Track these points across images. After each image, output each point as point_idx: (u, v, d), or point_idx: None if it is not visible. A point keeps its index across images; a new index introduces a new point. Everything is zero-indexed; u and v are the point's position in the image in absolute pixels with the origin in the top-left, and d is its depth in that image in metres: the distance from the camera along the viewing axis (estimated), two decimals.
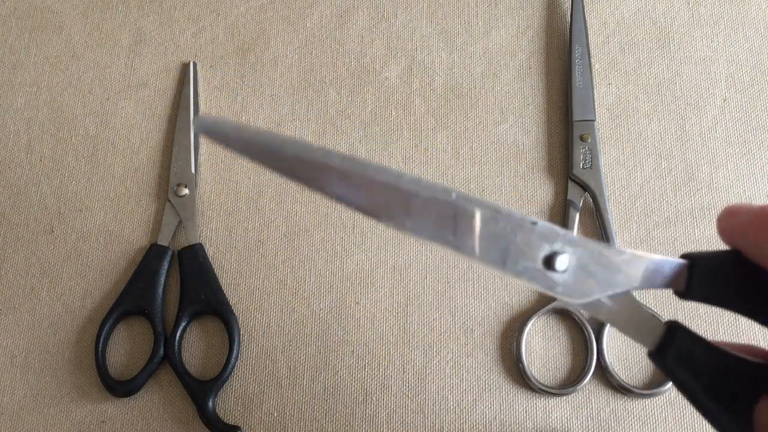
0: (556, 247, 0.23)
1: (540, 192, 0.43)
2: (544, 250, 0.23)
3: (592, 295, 0.24)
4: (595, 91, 0.45)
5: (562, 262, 0.23)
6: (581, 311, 0.40)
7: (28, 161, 0.45)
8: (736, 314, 0.24)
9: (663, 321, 0.25)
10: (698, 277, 0.24)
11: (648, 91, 0.45)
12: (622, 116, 0.45)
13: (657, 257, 0.24)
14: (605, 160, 0.44)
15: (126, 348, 0.41)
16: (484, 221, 0.23)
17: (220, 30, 0.48)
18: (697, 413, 0.39)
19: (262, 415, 0.39)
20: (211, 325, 0.41)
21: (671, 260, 0.24)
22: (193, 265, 0.41)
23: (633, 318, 0.24)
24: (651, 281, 0.24)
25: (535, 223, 0.23)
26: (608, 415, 0.39)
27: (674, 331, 0.24)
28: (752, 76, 0.46)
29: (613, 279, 0.24)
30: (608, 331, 0.40)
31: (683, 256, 0.25)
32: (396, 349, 0.40)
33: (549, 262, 0.23)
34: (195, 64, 0.47)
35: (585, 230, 0.42)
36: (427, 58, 0.47)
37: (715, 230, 0.44)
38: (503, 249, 0.23)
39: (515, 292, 0.41)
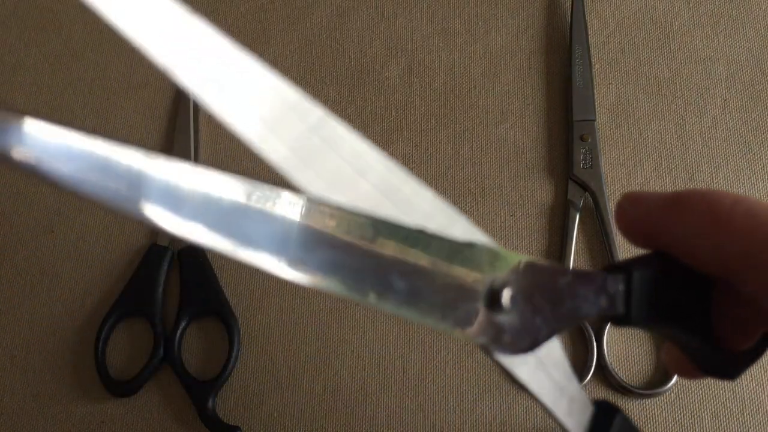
0: (499, 276, 0.18)
1: (540, 192, 0.43)
2: (485, 283, 0.18)
3: (540, 339, 0.19)
4: (595, 91, 0.45)
5: (506, 298, 0.18)
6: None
7: None
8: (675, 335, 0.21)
9: (591, 400, 0.21)
10: (638, 294, 0.20)
11: (648, 91, 0.45)
12: (623, 116, 0.45)
13: (600, 273, 0.20)
14: (605, 160, 0.44)
15: (126, 348, 0.41)
16: (408, 255, 0.17)
17: (220, 29, 0.48)
18: (698, 414, 0.39)
19: (262, 416, 0.39)
20: (210, 326, 0.41)
21: (608, 275, 0.20)
22: (193, 266, 0.41)
23: (558, 390, 0.20)
24: (596, 306, 0.19)
25: (471, 246, 0.18)
26: None
27: (607, 415, 0.20)
28: (752, 76, 0.46)
29: (559, 312, 0.19)
30: (608, 330, 0.40)
31: (610, 268, 0.20)
32: (396, 349, 0.40)
33: (492, 299, 0.18)
34: None
35: (585, 230, 0.42)
36: (427, 57, 0.47)
37: None
38: (436, 289, 0.17)
39: None
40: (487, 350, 0.19)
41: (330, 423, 0.39)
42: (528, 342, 0.19)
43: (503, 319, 0.18)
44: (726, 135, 0.44)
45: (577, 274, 0.19)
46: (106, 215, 0.44)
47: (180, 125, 0.45)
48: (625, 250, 0.41)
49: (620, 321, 0.20)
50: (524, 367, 0.19)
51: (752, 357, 0.21)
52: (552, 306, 0.19)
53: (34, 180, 0.44)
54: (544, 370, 0.20)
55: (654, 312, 0.20)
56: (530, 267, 0.19)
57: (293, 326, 0.41)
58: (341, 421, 0.39)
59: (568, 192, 0.42)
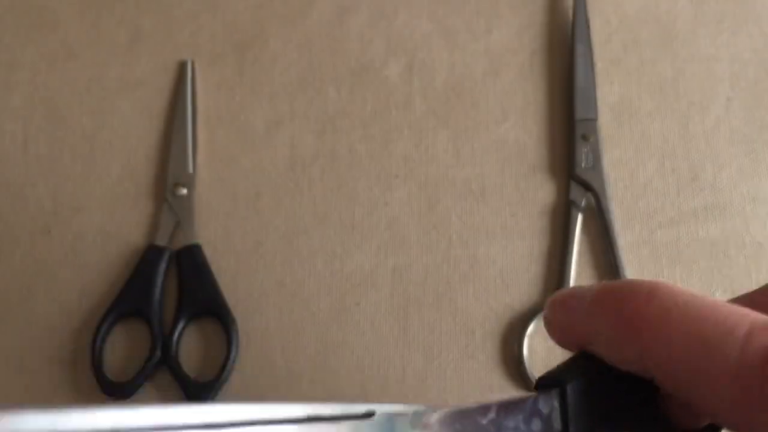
0: None
1: (542, 192, 0.43)
2: None
3: None
4: (597, 89, 0.44)
5: None
6: None
7: (24, 161, 0.45)
8: None
9: None
10: (574, 407, 0.19)
11: (651, 90, 0.45)
12: (625, 115, 0.44)
13: (530, 397, 0.19)
14: (608, 160, 0.43)
15: (123, 350, 0.40)
16: None
17: (219, 28, 0.48)
18: None
19: None
20: (209, 327, 0.41)
21: (540, 396, 0.19)
22: (191, 266, 0.41)
23: None
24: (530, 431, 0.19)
25: (371, 415, 0.17)
26: None
27: None
28: (756, 74, 0.45)
29: None
30: None
31: (542, 381, 0.19)
32: (396, 351, 0.40)
33: None
34: (193, 63, 0.47)
35: (588, 231, 0.42)
36: (427, 56, 0.46)
37: (719, 231, 0.44)
38: None
39: (517, 293, 0.41)
40: None
41: None
42: None
43: None
44: (730, 134, 0.44)
45: (503, 406, 0.18)
46: (102, 215, 0.43)
47: (178, 124, 0.45)
48: (628, 251, 0.41)
49: None
50: None
51: None
52: None
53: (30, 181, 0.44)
54: None
55: (594, 420, 0.19)
56: (447, 417, 0.18)
57: (292, 328, 0.41)
58: None
59: (570, 192, 0.42)
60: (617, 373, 0.19)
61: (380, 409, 0.17)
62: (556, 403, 0.19)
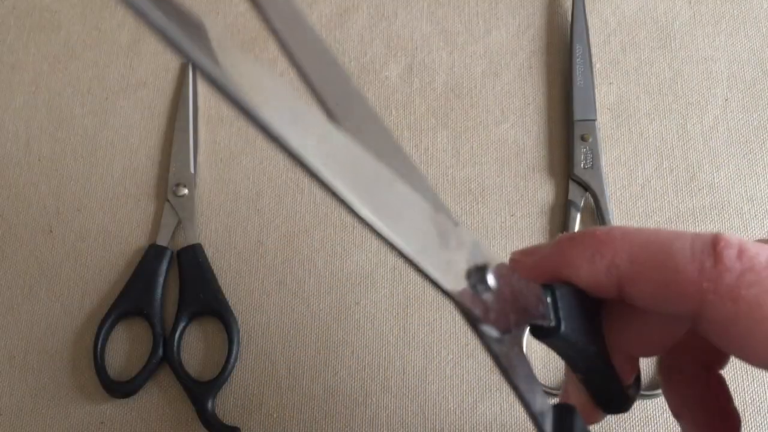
0: (479, 259, 0.19)
1: (541, 192, 0.43)
2: (467, 262, 0.19)
3: (510, 325, 0.20)
4: (596, 90, 0.44)
5: (492, 277, 0.19)
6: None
7: (26, 161, 0.45)
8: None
9: (551, 403, 0.22)
10: (562, 307, 0.21)
11: (649, 91, 0.45)
12: (623, 116, 0.45)
13: (534, 282, 0.21)
14: (606, 160, 0.43)
15: (125, 349, 0.41)
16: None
17: (220, 29, 0.48)
18: None
19: (261, 416, 0.39)
20: (210, 326, 0.41)
21: (540, 286, 0.21)
22: (192, 266, 0.41)
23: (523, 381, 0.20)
24: (537, 311, 0.21)
25: (456, 225, 0.19)
26: (609, 416, 0.39)
27: (566, 417, 0.21)
28: (754, 75, 0.45)
29: (517, 306, 0.20)
30: None
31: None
32: (396, 350, 0.40)
33: (479, 275, 0.19)
34: None
35: None
36: (427, 57, 0.47)
37: (715, 231, 0.44)
38: (439, 252, 0.18)
39: None
40: (475, 322, 0.19)
41: (330, 424, 0.39)
42: (503, 325, 0.19)
43: (487, 297, 0.19)
44: (727, 135, 0.44)
45: (523, 278, 0.21)
46: (104, 215, 0.44)
47: (179, 124, 0.45)
48: None
49: (551, 332, 0.21)
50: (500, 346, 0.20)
51: (635, 390, 0.24)
52: (513, 300, 0.20)
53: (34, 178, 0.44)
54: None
55: (575, 327, 0.21)
56: (500, 263, 0.20)
57: (293, 327, 0.41)
58: (341, 422, 0.39)
59: (569, 192, 0.42)
60: (585, 296, 0.22)
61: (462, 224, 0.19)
62: (549, 299, 0.21)
